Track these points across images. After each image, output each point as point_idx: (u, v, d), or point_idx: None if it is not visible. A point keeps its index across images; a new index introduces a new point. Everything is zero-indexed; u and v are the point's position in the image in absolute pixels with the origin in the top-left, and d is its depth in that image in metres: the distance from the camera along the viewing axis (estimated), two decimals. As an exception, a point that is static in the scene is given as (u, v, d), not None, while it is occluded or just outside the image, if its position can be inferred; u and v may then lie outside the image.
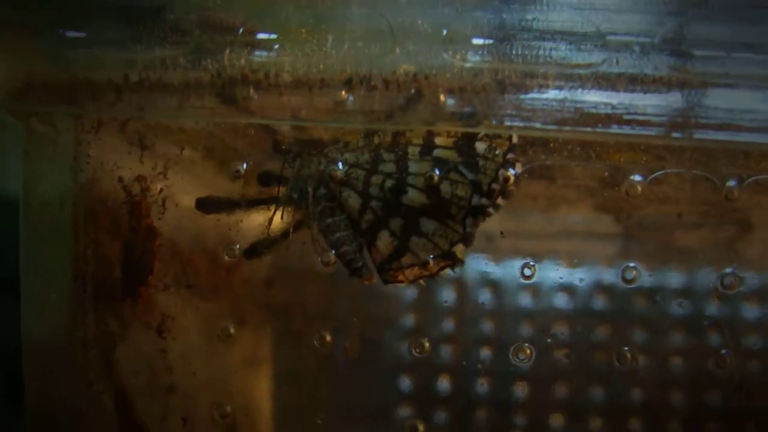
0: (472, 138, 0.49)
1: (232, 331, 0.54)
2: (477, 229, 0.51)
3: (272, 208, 0.51)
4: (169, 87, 0.47)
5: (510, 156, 0.49)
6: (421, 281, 0.52)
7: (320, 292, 0.54)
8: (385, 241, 0.51)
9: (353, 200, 0.50)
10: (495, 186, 0.49)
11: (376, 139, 0.50)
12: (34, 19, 0.49)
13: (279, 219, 0.51)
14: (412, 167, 0.49)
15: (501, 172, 0.49)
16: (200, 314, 0.54)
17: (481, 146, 0.49)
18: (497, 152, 0.49)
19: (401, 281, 0.52)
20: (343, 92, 0.46)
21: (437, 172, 0.49)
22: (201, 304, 0.54)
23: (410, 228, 0.50)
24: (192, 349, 0.54)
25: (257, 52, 0.46)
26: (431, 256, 0.51)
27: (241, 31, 0.46)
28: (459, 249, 0.51)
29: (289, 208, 0.51)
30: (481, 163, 0.49)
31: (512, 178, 0.50)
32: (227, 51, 0.46)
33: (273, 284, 0.54)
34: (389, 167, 0.50)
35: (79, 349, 0.53)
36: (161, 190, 0.52)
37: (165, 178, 0.52)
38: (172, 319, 0.53)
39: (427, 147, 0.49)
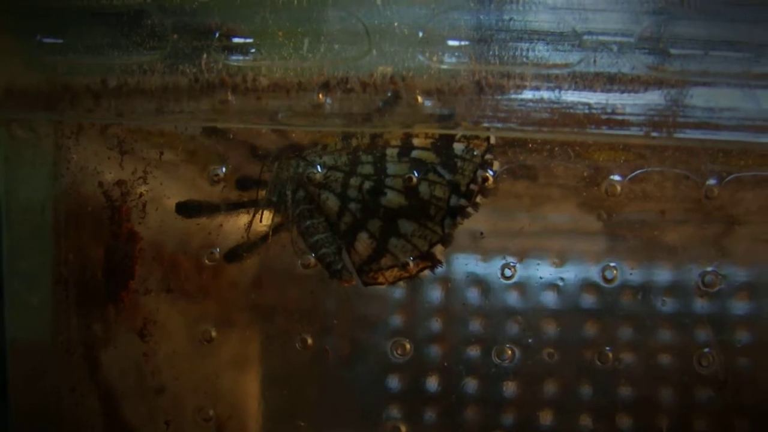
0: (449, 139, 0.49)
1: (213, 334, 0.54)
2: (458, 229, 0.51)
3: (252, 211, 0.51)
4: (147, 92, 0.47)
5: (488, 156, 0.49)
6: (401, 283, 0.52)
7: (302, 294, 0.54)
8: (363, 243, 0.51)
9: (332, 202, 0.50)
10: (473, 187, 0.49)
11: (354, 141, 0.50)
12: (11, 26, 0.49)
13: (259, 222, 0.51)
14: (390, 169, 0.49)
15: (479, 172, 0.49)
16: (182, 318, 0.54)
17: (458, 147, 0.49)
18: (475, 153, 0.49)
19: (381, 283, 0.52)
20: (321, 95, 0.46)
21: (415, 173, 0.49)
22: (182, 307, 0.54)
23: (389, 229, 0.50)
24: (174, 352, 0.54)
25: (234, 56, 0.47)
26: (410, 258, 0.51)
27: (217, 35, 0.46)
28: (438, 250, 0.51)
29: (269, 211, 0.51)
30: (459, 163, 0.49)
31: (491, 179, 0.50)
32: (204, 55, 0.46)
33: (255, 287, 0.54)
34: (367, 169, 0.50)
35: (62, 354, 0.53)
36: (141, 195, 0.52)
37: (145, 182, 0.52)
38: (153, 323, 0.53)
39: (405, 148, 0.49)
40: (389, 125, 0.48)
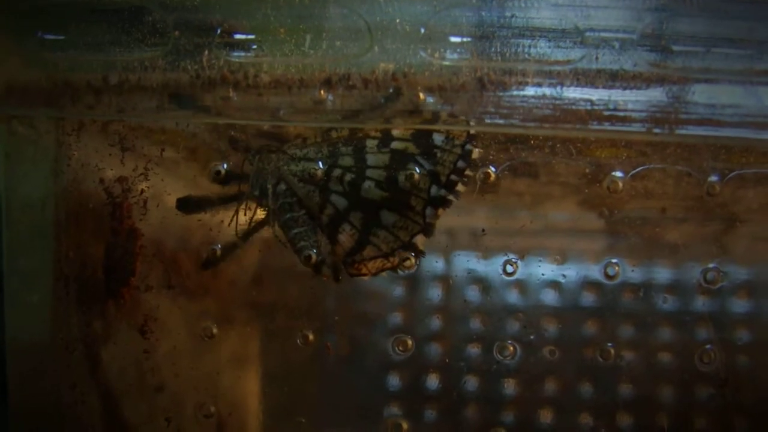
0: (429, 130, 0.49)
1: (214, 331, 0.54)
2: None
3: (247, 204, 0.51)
4: (148, 88, 0.47)
5: (468, 147, 0.49)
6: (383, 274, 0.52)
7: (303, 291, 0.54)
8: (346, 235, 0.51)
9: (313, 195, 0.50)
10: (454, 177, 0.49)
11: (333, 134, 0.50)
12: (12, 22, 0.49)
13: (244, 215, 0.51)
14: (371, 160, 0.49)
15: (459, 163, 0.49)
16: (183, 315, 0.54)
17: (438, 138, 0.49)
18: (455, 143, 0.49)
19: (364, 274, 0.52)
20: (322, 92, 0.46)
21: (395, 164, 0.49)
22: (183, 304, 0.54)
23: (371, 220, 0.50)
24: (175, 349, 0.54)
25: (235, 53, 0.46)
26: (392, 248, 0.51)
27: (218, 31, 0.46)
28: (419, 240, 0.51)
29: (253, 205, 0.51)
30: (438, 154, 0.49)
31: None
32: (206, 52, 0.46)
33: (256, 284, 0.54)
34: (348, 161, 0.50)
35: (62, 351, 0.53)
36: (142, 191, 0.52)
37: (146, 179, 0.52)
38: (154, 320, 0.53)
39: (385, 139, 0.49)
40: (392, 121, 0.48)
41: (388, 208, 0.50)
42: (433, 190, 0.49)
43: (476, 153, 0.49)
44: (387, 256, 0.51)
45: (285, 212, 0.50)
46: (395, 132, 0.49)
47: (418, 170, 0.49)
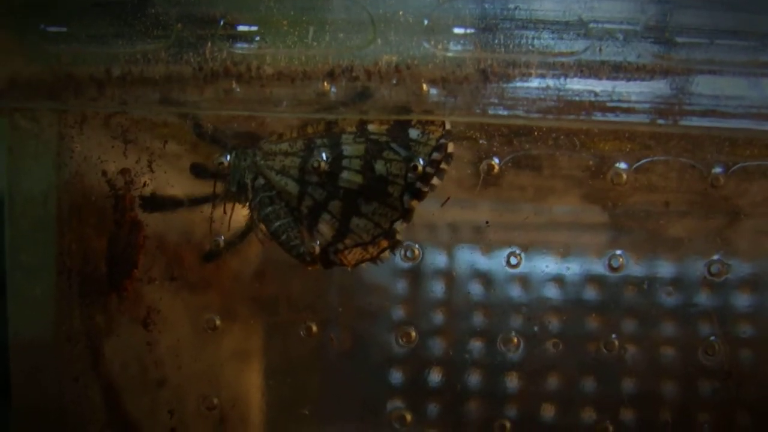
0: (405, 125, 0.49)
1: (217, 323, 0.54)
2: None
3: (223, 203, 0.51)
4: (151, 81, 0.47)
5: (442, 141, 0.49)
6: (363, 264, 0.52)
7: (306, 284, 0.54)
8: (326, 225, 0.51)
9: (291, 187, 0.50)
10: (429, 170, 0.49)
11: (309, 129, 0.50)
12: (15, 15, 0.49)
13: (224, 213, 0.51)
14: (347, 150, 0.49)
15: (434, 155, 0.49)
16: (186, 307, 0.54)
17: (414, 133, 0.49)
18: (431, 136, 0.49)
19: (346, 263, 0.52)
20: (326, 84, 0.46)
21: (371, 152, 0.49)
22: (186, 296, 0.54)
23: (350, 209, 0.50)
24: (178, 342, 0.54)
25: (239, 45, 0.46)
26: (373, 235, 0.51)
27: (221, 23, 0.46)
28: (399, 226, 0.51)
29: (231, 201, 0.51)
30: (414, 147, 0.49)
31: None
32: (209, 44, 0.46)
33: (259, 276, 0.54)
34: (325, 152, 0.50)
35: (65, 344, 0.53)
36: (145, 184, 0.52)
37: (150, 171, 0.52)
38: (157, 313, 0.53)
39: (361, 134, 0.49)
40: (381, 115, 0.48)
41: (366, 196, 0.50)
42: (410, 176, 0.49)
43: (451, 146, 0.49)
44: (367, 244, 0.51)
45: (265, 206, 0.50)
46: (371, 127, 0.49)
47: (393, 156, 0.49)
